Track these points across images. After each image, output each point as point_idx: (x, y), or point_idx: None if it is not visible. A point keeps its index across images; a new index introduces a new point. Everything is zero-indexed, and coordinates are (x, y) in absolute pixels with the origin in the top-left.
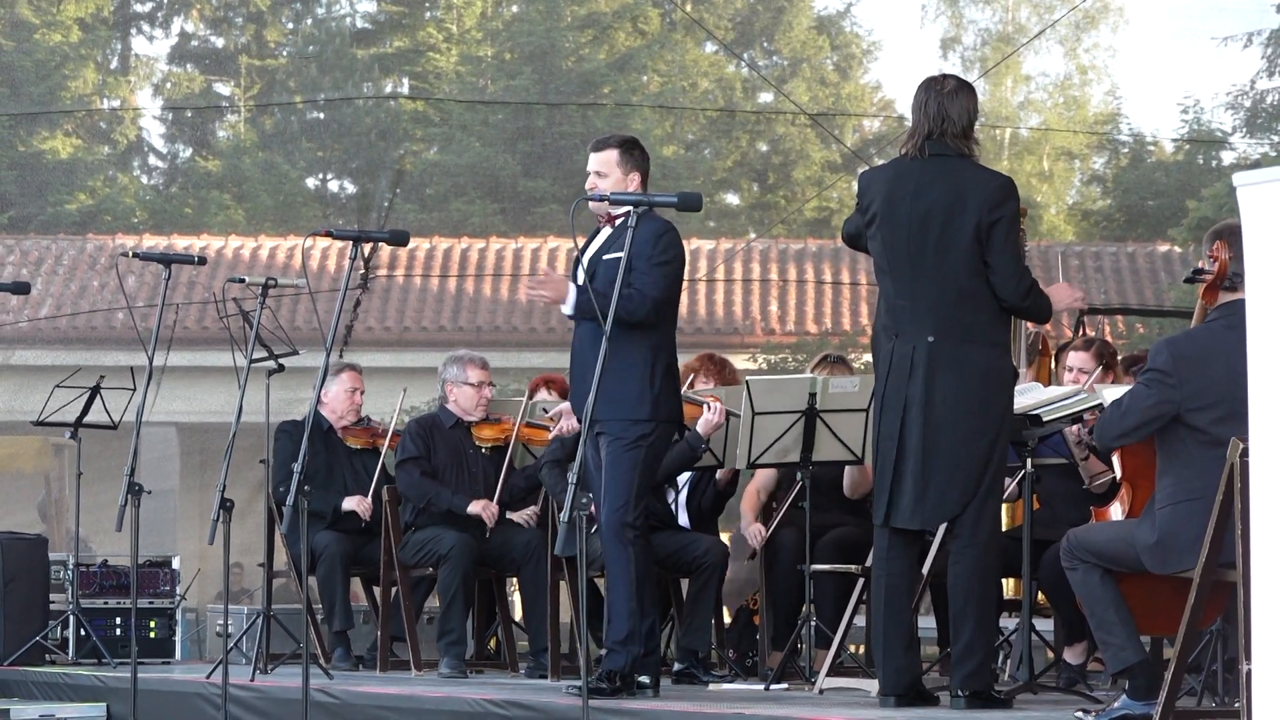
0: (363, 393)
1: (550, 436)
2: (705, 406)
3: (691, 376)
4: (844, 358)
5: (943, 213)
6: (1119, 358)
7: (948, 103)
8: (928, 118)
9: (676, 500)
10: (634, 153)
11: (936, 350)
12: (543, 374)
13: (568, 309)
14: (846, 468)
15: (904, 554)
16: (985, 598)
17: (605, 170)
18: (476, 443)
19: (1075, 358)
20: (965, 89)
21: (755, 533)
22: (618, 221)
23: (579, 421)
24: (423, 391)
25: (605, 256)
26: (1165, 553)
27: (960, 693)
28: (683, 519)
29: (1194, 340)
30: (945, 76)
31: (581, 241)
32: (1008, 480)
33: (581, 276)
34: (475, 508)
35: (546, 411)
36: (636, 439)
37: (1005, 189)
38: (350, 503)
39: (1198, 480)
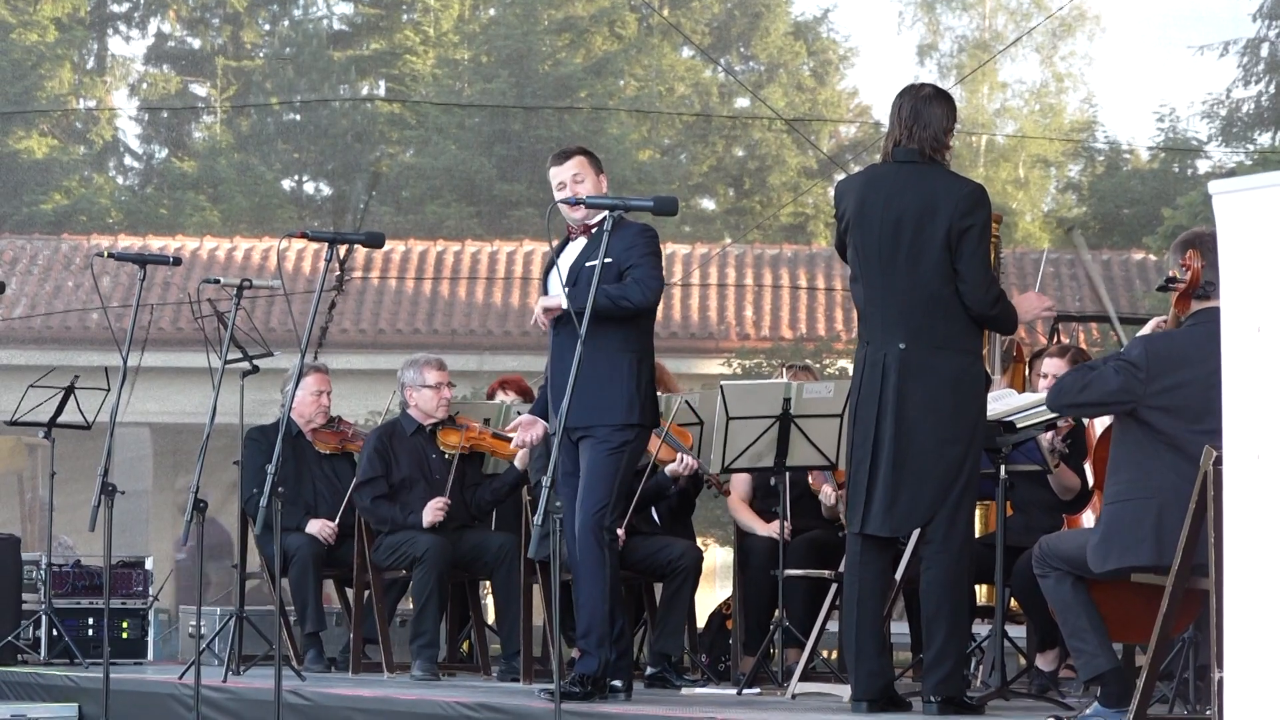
0: (330, 394)
1: (512, 448)
2: (680, 458)
3: None
4: (808, 365)
5: (914, 219)
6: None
7: (921, 108)
8: (900, 123)
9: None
10: (595, 158)
11: (908, 357)
12: (500, 376)
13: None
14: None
15: (876, 560)
16: (957, 604)
17: (581, 174)
18: (440, 447)
19: (1050, 364)
20: (941, 97)
21: (829, 492)
22: (594, 230)
23: (550, 428)
24: (396, 395)
25: (588, 263)
26: (1107, 549)
27: (932, 699)
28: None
29: (1170, 341)
30: (923, 84)
31: (557, 244)
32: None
33: (555, 284)
34: (427, 518)
35: (520, 415)
36: (621, 444)
37: (976, 196)
38: (313, 527)
39: (1148, 479)
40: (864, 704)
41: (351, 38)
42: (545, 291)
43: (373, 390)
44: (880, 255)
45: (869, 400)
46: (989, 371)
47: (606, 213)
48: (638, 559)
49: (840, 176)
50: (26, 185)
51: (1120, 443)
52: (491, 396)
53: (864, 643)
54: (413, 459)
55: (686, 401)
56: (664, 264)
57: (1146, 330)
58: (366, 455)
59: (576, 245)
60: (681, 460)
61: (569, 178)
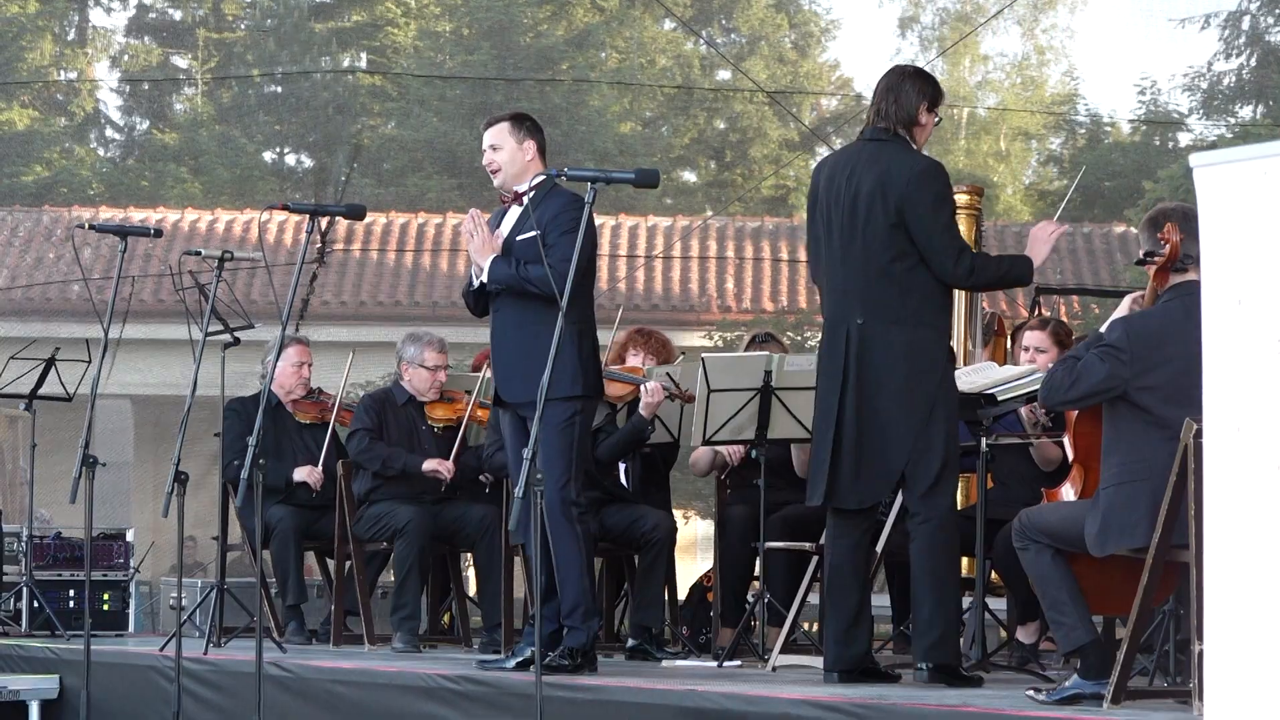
0: (310, 366)
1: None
2: (642, 388)
3: (621, 352)
4: (771, 335)
5: (868, 196)
6: (1074, 337)
7: (896, 84)
8: (876, 100)
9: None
10: (525, 124)
11: (865, 331)
12: (485, 349)
13: (485, 275)
14: (793, 446)
15: (849, 533)
16: (939, 573)
17: (499, 143)
18: (429, 422)
19: (1031, 337)
20: (920, 76)
21: (732, 450)
22: (526, 197)
23: (507, 402)
24: (377, 366)
25: (519, 237)
26: (1105, 533)
27: (921, 665)
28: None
29: (1149, 320)
30: (907, 65)
31: (497, 210)
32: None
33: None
34: (429, 465)
35: None
36: (569, 417)
37: (926, 173)
38: (301, 473)
39: (1142, 461)
40: (835, 674)
41: (333, 10)
42: None
43: (354, 362)
44: (841, 232)
45: (830, 374)
46: (971, 345)
47: (540, 181)
48: (612, 531)
49: (822, 149)
50: (7, 157)
51: (1111, 425)
52: (477, 369)
53: (834, 615)
54: (402, 429)
55: (668, 374)
56: (645, 236)
57: (1123, 309)
58: (362, 409)
59: (514, 214)
60: (646, 391)
61: (487, 147)
